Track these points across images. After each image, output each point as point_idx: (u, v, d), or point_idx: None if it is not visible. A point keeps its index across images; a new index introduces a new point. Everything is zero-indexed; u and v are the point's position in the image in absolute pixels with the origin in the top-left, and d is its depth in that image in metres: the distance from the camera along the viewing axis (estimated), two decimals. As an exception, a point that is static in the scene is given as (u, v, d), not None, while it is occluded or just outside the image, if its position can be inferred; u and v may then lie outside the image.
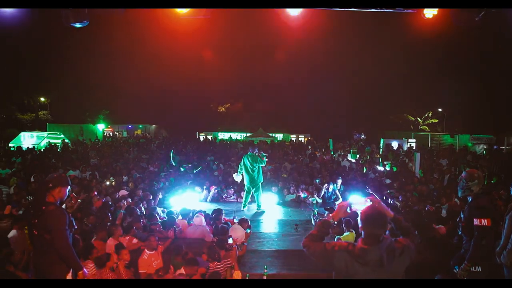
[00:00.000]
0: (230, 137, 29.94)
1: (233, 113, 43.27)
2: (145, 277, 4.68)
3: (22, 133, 21.81)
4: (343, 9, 6.32)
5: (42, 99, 35.73)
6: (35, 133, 22.30)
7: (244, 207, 8.50)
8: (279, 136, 31.36)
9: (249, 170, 8.30)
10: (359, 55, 38.42)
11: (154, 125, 39.39)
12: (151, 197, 7.95)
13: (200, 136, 31.54)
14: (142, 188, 8.76)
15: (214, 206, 8.13)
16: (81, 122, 31.46)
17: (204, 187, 9.57)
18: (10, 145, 19.19)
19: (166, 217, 6.72)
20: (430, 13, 6.37)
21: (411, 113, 38.38)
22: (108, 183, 9.07)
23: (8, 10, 5.99)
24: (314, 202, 9.14)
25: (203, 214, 6.49)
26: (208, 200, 9.26)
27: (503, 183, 8.91)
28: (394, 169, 12.31)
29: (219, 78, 38.20)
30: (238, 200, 9.16)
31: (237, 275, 4.70)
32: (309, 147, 19.08)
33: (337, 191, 9.24)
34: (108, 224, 5.74)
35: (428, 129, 35.46)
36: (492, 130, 22.13)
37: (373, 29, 33.08)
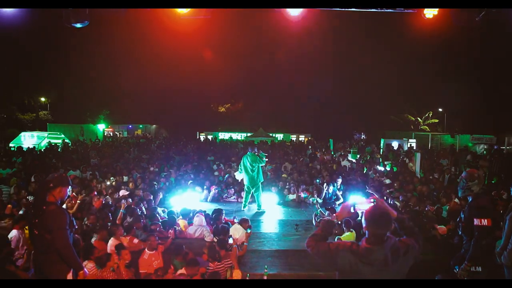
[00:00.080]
0: (231, 137, 29.94)
1: (233, 113, 43.28)
2: (145, 277, 4.69)
3: (22, 133, 21.83)
4: (343, 9, 6.32)
5: (43, 99, 35.77)
6: (35, 133, 22.31)
7: (244, 207, 8.51)
8: (280, 136, 31.37)
9: (249, 170, 8.30)
10: (359, 55, 38.42)
11: (154, 125, 39.42)
12: (152, 197, 7.96)
13: (200, 136, 31.55)
14: (143, 188, 8.77)
15: (214, 206, 8.13)
16: (81, 122, 31.48)
17: (205, 187, 9.58)
18: (10, 145, 19.21)
19: (167, 217, 6.73)
20: (430, 13, 6.37)
21: (411, 113, 38.37)
22: (108, 183, 9.07)
23: (9, 10, 6.00)
24: (315, 202, 9.14)
25: (203, 214, 6.50)
26: (208, 200, 9.26)
27: (503, 183, 8.91)
28: (395, 169, 12.30)
29: (219, 78, 38.21)
30: (239, 200, 9.16)
31: (237, 274, 4.71)
32: (310, 147, 19.07)
33: (337, 192, 9.25)
34: (109, 224, 5.75)
35: (428, 129, 35.44)
36: (492, 130, 22.11)
37: (373, 29, 33.07)
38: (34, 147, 17.07)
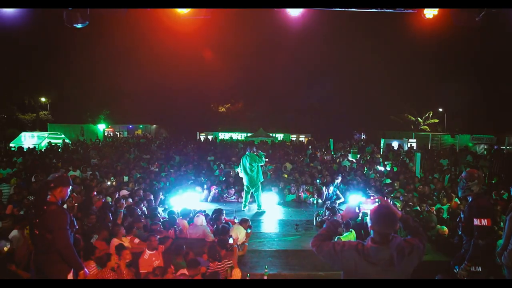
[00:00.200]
0: (231, 137, 29.95)
1: (233, 113, 43.25)
2: (144, 276, 4.70)
3: (23, 133, 21.85)
4: (343, 9, 6.33)
5: (43, 99, 35.78)
6: (35, 133, 22.34)
7: (244, 207, 8.51)
8: (280, 136, 31.37)
9: (248, 170, 8.31)
10: (359, 55, 38.40)
11: (154, 125, 39.43)
12: (152, 197, 7.97)
13: (200, 136, 31.55)
14: (143, 188, 8.79)
15: (214, 206, 8.14)
16: (81, 122, 31.50)
17: (205, 187, 9.59)
18: (11, 145, 19.22)
19: (167, 217, 6.74)
20: (430, 13, 6.38)
21: (411, 113, 38.36)
22: (109, 183, 9.08)
23: (9, 10, 6.01)
24: (315, 202, 9.15)
25: (203, 214, 6.50)
26: (208, 200, 9.27)
27: (503, 183, 8.92)
28: (395, 169, 12.31)
29: (219, 78, 38.20)
30: (239, 200, 9.17)
31: (236, 273, 4.71)
32: (310, 147, 19.08)
33: (338, 191, 9.25)
34: (110, 224, 5.75)
35: (428, 129, 35.43)
36: (492, 130, 22.12)
37: (373, 29, 33.06)
38: (35, 147, 17.08)
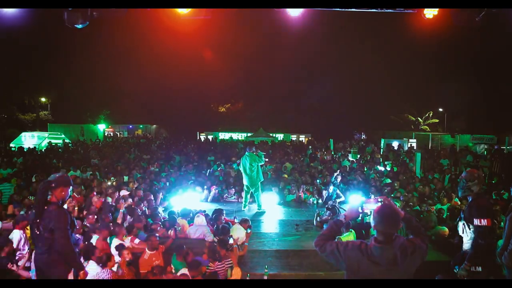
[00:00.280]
0: (231, 137, 29.94)
1: (233, 113, 43.26)
2: (143, 276, 4.70)
3: (23, 133, 21.86)
4: (343, 10, 6.33)
5: (43, 99, 35.78)
6: (36, 133, 22.34)
7: (244, 207, 8.51)
8: (280, 136, 31.37)
9: (248, 170, 8.31)
10: (359, 55, 38.41)
11: (154, 125, 39.44)
12: (152, 197, 7.97)
13: (200, 136, 31.55)
14: (143, 188, 8.79)
15: (214, 206, 8.14)
16: (81, 122, 31.50)
17: (205, 187, 9.59)
18: (11, 145, 19.23)
19: (167, 217, 6.74)
20: (430, 13, 6.38)
21: (411, 113, 38.36)
22: (109, 183, 9.08)
23: (9, 10, 6.01)
24: (315, 202, 9.15)
25: (204, 214, 6.51)
26: (209, 200, 9.27)
27: (503, 183, 8.92)
28: (395, 169, 12.31)
29: (219, 78, 38.22)
30: (239, 200, 9.17)
31: (236, 271, 4.72)
32: (310, 147, 19.08)
33: (338, 191, 9.25)
34: (110, 224, 5.76)
35: (428, 129, 35.43)
36: (493, 130, 22.12)
37: (373, 29, 33.08)
38: (35, 147, 17.09)
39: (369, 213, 2.76)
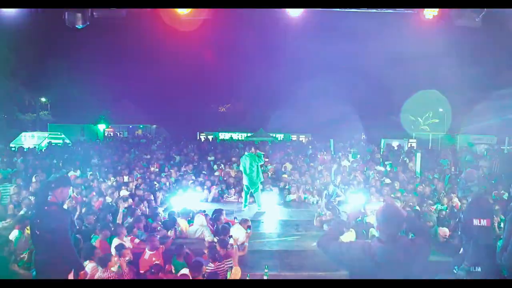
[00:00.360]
0: (231, 137, 29.93)
1: (233, 113, 43.26)
2: (143, 275, 4.70)
3: (23, 133, 21.84)
4: (343, 10, 6.33)
5: (43, 99, 35.78)
6: (36, 133, 22.33)
7: (244, 207, 8.52)
8: (280, 136, 31.35)
9: (247, 170, 8.31)
10: (359, 56, 38.40)
11: (154, 125, 39.44)
12: (152, 197, 7.97)
13: (200, 136, 31.55)
14: (143, 188, 8.79)
15: (215, 206, 8.14)
16: (82, 122, 31.50)
17: (205, 187, 9.59)
18: (11, 145, 19.22)
19: (167, 217, 6.74)
20: (430, 13, 6.38)
21: (411, 113, 38.36)
22: (109, 183, 9.09)
23: (9, 10, 6.01)
24: (315, 202, 9.15)
25: (204, 214, 6.51)
26: (209, 200, 9.28)
27: (503, 183, 8.91)
28: (395, 169, 12.30)
29: (219, 78, 38.27)
30: (239, 201, 9.18)
31: (236, 271, 4.72)
32: (310, 147, 19.07)
33: (338, 190, 9.25)
34: (110, 224, 5.76)
35: (428, 129, 35.42)
36: (493, 130, 22.11)
37: (373, 29, 33.05)
38: (35, 147, 17.08)
39: (369, 213, 2.76)
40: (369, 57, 36.90)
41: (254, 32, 36.91)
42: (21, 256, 4.91)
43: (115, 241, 5.07)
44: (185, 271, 4.51)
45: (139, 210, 6.79)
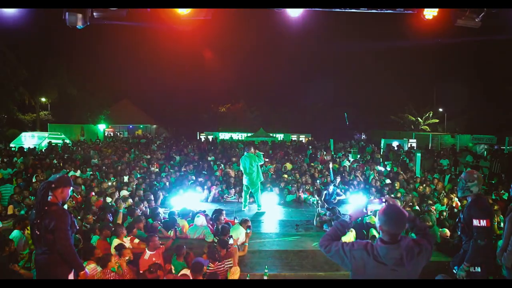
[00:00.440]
0: (231, 137, 29.95)
1: (233, 113, 43.25)
2: (142, 275, 4.70)
3: (23, 134, 21.84)
4: (343, 10, 6.33)
5: (43, 99, 35.76)
6: (36, 133, 22.33)
7: (244, 207, 8.52)
8: (280, 136, 31.38)
9: (247, 170, 8.32)
10: (360, 56, 38.45)
11: (154, 125, 39.45)
12: (152, 197, 7.97)
13: (200, 136, 31.57)
14: (143, 189, 8.79)
15: (215, 206, 8.14)
16: (82, 122, 31.50)
17: (205, 187, 9.59)
18: (11, 145, 19.22)
19: (168, 217, 6.75)
20: (430, 13, 6.38)
21: (411, 113, 38.36)
22: (109, 183, 9.09)
23: (9, 10, 6.02)
24: (315, 202, 9.14)
25: (204, 214, 6.51)
26: (209, 200, 9.28)
27: (503, 183, 8.92)
28: (395, 169, 12.31)
29: (219, 78, 38.29)
30: (239, 201, 9.17)
31: (235, 270, 4.72)
32: (310, 147, 19.08)
33: (338, 190, 9.25)
34: (110, 224, 5.76)
35: (428, 129, 35.43)
36: (492, 130, 22.12)
37: (373, 29, 33.10)
38: (35, 147, 17.08)
39: (369, 213, 2.76)
40: (369, 57, 36.94)
41: (254, 32, 36.99)
42: (21, 256, 4.92)
43: (115, 241, 5.07)
44: (185, 271, 4.51)
45: (139, 210, 6.79)
